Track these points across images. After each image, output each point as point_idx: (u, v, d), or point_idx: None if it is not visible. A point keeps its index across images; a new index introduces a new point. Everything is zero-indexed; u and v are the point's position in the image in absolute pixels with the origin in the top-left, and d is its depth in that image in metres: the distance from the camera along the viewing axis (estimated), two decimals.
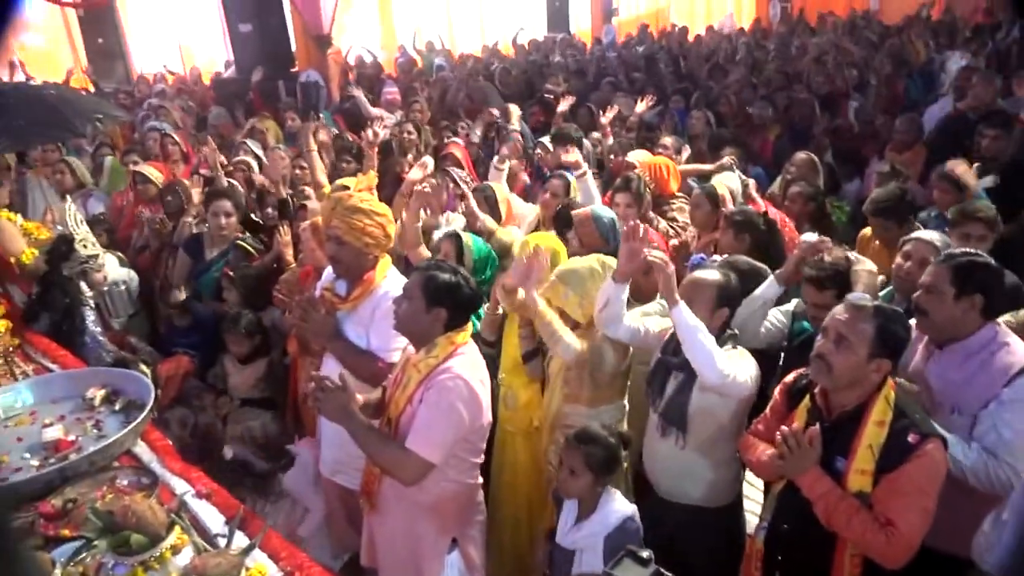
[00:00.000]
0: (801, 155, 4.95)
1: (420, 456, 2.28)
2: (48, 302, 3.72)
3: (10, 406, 2.73)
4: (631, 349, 2.99)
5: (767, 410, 2.51)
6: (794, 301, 3.21)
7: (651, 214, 4.36)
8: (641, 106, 6.28)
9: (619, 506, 2.51)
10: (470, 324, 2.52)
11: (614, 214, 3.73)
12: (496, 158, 4.78)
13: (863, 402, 2.16)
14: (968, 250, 2.53)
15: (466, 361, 2.42)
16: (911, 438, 2.06)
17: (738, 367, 2.56)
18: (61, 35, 12.63)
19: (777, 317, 3.17)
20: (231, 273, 3.96)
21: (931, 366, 2.45)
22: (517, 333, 3.14)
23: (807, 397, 2.31)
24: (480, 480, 2.65)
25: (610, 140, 5.82)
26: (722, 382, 2.50)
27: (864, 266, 3.06)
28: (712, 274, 2.74)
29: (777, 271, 3.07)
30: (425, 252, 3.88)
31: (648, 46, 12.98)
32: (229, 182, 5.04)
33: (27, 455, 2.45)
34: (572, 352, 2.85)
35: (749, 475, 3.14)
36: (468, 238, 3.49)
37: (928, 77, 8.55)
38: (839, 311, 2.21)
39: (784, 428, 2.21)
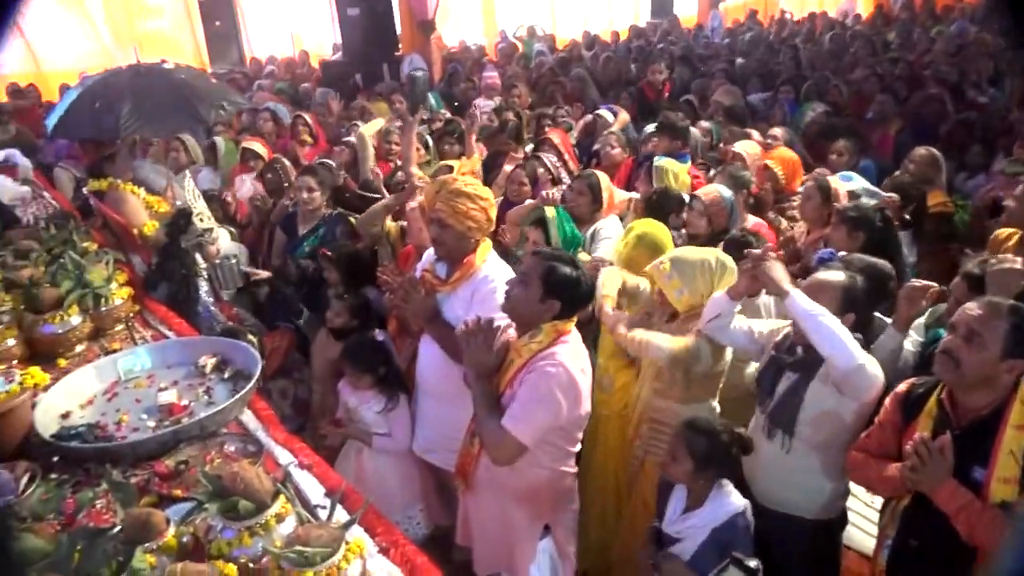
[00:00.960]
0: (921, 150, 4.64)
1: (514, 436, 2.27)
2: (166, 272, 3.92)
3: (130, 369, 2.89)
4: (729, 351, 2.89)
5: (876, 423, 2.36)
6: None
7: (770, 214, 4.21)
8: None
9: (731, 500, 2.44)
10: (575, 317, 2.49)
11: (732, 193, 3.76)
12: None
13: (998, 406, 2.01)
14: None
15: (570, 350, 2.39)
16: None
17: (870, 359, 2.39)
18: (182, 19, 13.29)
19: (911, 341, 2.91)
20: (328, 253, 4.04)
21: None
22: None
23: (930, 403, 2.16)
24: (575, 469, 2.62)
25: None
26: (853, 367, 2.31)
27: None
28: (837, 275, 2.59)
29: (893, 319, 2.82)
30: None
31: (756, 33, 12.51)
32: (323, 162, 5.16)
33: (144, 416, 2.59)
34: (665, 355, 2.80)
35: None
36: (553, 218, 3.46)
37: None
38: (971, 307, 2.08)
39: (917, 436, 2.07)
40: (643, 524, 3.01)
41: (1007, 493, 1.95)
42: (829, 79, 7.56)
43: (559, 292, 2.38)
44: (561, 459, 2.51)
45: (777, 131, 5.44)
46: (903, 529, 2.20)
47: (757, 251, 2.60)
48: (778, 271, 2.48)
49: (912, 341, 2.89)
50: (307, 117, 6.54)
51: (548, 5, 16.39)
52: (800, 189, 4.33)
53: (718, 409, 2.96)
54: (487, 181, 4.69)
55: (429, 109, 7.47)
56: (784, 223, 4.18)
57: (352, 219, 4.26)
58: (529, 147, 5.63)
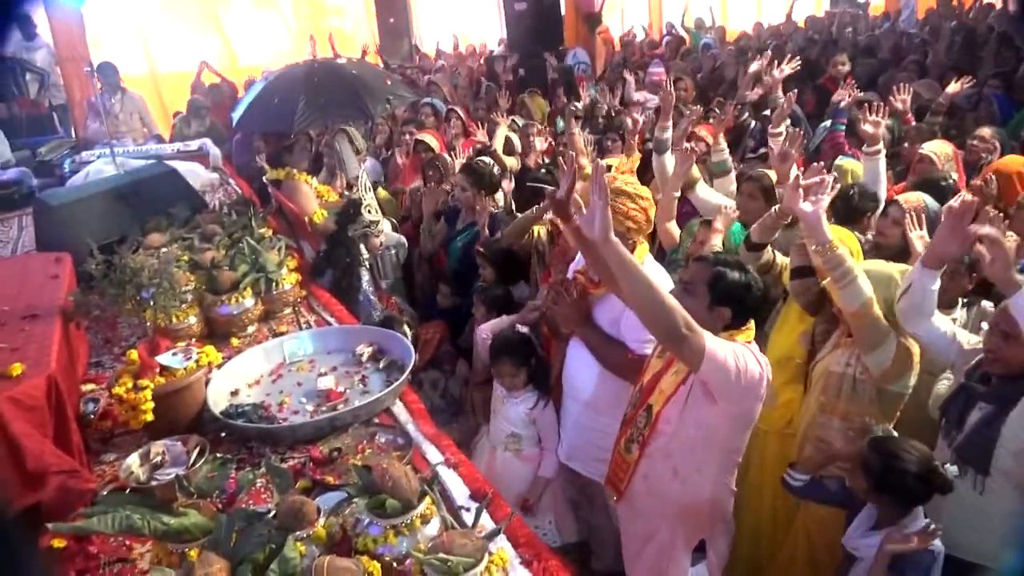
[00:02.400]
0: None
1: (703, 337, 2.09)
2: (333, 259, 4.09)
3: (294, 352, 3.02)
4: (916, 366, 2.57)
5: None
6: None
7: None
8: (954, 86, 5.39)
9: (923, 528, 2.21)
10: (752, 325, 2.33)
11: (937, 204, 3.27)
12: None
13: None
14: None
15: (752, 350, 2.25)
16: None
17: None
18: (361, 16, 14.02)
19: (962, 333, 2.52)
20: (481, 249, 4.05)
21: None
22: (793, 329, 2.87)
23: None
24: (735, 489, 2.47)
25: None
26: None
27: None
28: None
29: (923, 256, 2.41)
30: (675, 230, 3.70)
31: (959, 21, 11.31)
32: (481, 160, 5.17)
33: (304, 400, 2.69)
34: (860, 297, 2.45)
35: None
36: (723, 221, 3.26)
37: None
38: None
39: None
40: (803, 559, 2.77)
41: None
42: None
43: (728, 299, 2.24)
44: (727, 469, 2.38)
45: (985, 131, 4.83)
46: None
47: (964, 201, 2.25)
48: (1005, 253, 2.16)
49: None
50: (459, 111, 6.63)
51: None
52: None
53: (892, 432, 2.66)
54: (644, 180, 4.52)
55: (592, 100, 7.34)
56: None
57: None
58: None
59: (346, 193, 4.53)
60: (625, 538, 2.57)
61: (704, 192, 3.96)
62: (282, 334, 3.22)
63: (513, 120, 6.28)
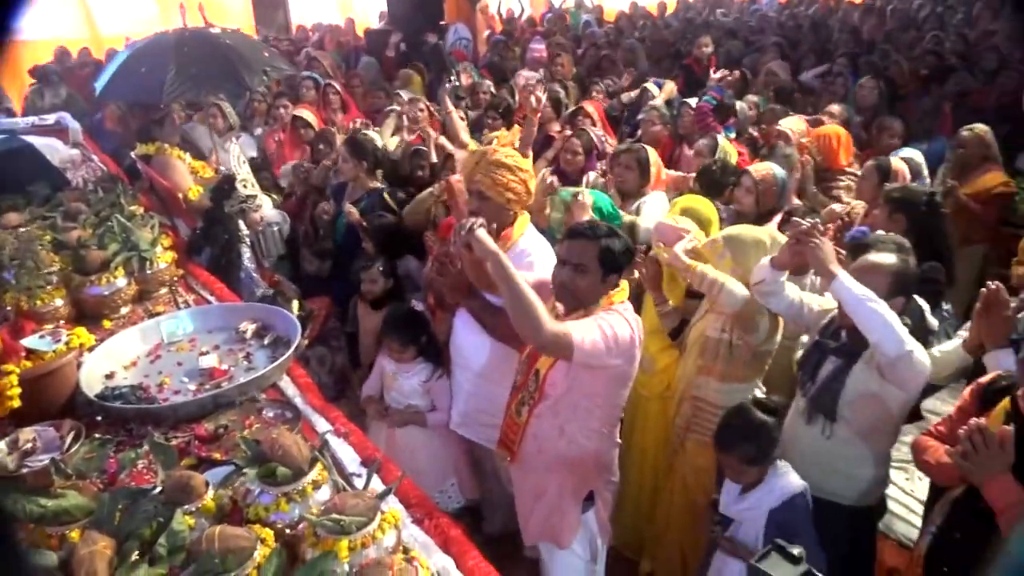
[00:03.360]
0: (967, 132, 4.49)
1: (569, 334, 2.20)
2: (210, 237, 3.97)
3: (173, 332, 2.93)
4: (780, 327, 2.82)
5: (952, 411, 2.29)
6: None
7: (812, 188, 4.08)
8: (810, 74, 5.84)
9: (788, 480, 2.41)
10: (625, 285, 2.45)
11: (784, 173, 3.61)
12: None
13: None
14: None
15: (626, 309, 2.39)
16: None
17: (918, 346, 2.32)
18: None
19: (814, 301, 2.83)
20: (365, 224, 4.03)
21: None
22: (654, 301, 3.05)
23: (1005, 400, 2.07)
24: (619, 440, 2.62)
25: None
26: (903, 353, 2.25)
27: None
28: (888, 257, 2.49)
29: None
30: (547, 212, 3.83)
31: (818, 7, 12.08)
32: (364, 133, 5.12)
33: (185, 379, 2.62)
34: (737, 300, 2.67)
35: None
36: (589, 196, 3.41)
37: None
38: None
39: (973, 421, 1.96)
40: (681, 503, 2.99)
41: None
42: (890, 54, 7.29)
43: (617, 265, 2.37)
44: (610, 423, 2.51)
45: (835, 108, 5.26)
46: (949, 520, 2.14)
47: (804, 224, 2.51)
48: (826, 251, 2.39)
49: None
50: (336, 85, 6.50)
51: None
52: (849, 168, 4.22)
53: (760, 392, 2.90)
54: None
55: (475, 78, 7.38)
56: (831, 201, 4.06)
57: (388, 197, 4.22)
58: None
59: (222, 169, 4.39)
60: (518, 497, 2.66)
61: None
62: (159, 314, 3.11)
63: (398, 93, 6.23)
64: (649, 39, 9.44)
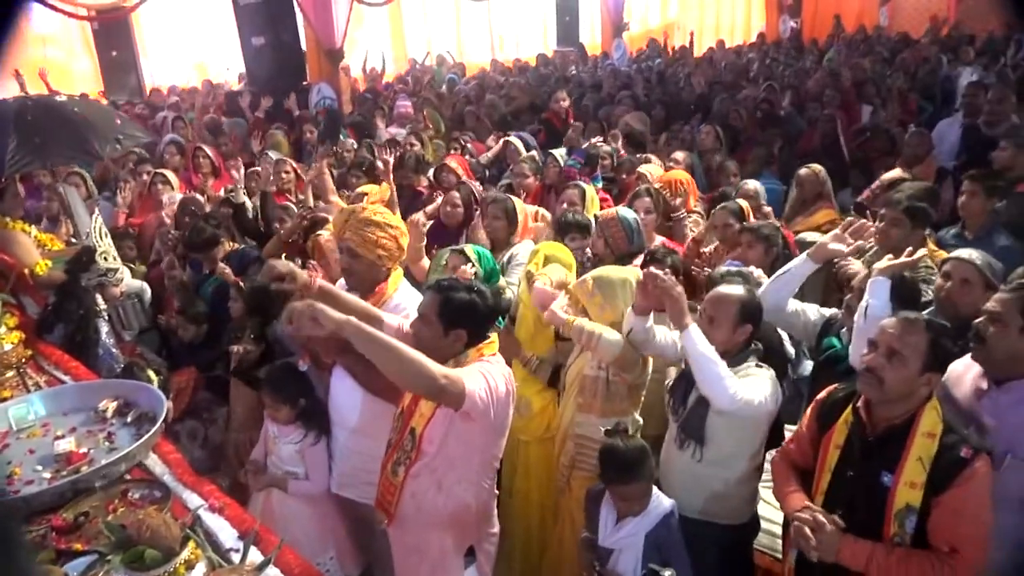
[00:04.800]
0: (804, 171, 5.05)
1: (461, 379, 2.22)
2: (63, 313, 3.73)
3: (22, 418, 2.72)
4: (650, 361, 2.97)
5: (799, 427, 2.47)
6: (830, 311, 3.13)
7: (683, 212, 4.42)
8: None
9: (659, 502, 2.52)
10: (495, 337, 2.50)
11: (635, 215, 3.83)
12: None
13: (911, 415, 2.10)
14: None
15: (496, 363, 2.43)
16: (964, 452, 2.01)
17: (754, 389, 2.51)
18: (79, 47, 12.79)
19: (812, 311, 3.09)
20: (241, 284, 3.92)
21: (985, 403, 2.33)
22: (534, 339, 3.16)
23: (847, 412, 2.25)
24: (496, 491, 2.64)
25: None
26: (734, 408, 2.47)
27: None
28: (736, 289, 2.71)
29: (809, 250, 3.03)
30: (426, 264, 3.88)
31: (662, 61, 12.98)
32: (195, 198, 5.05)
33: (39, 467, 2.44)
34: (615, 347, 2.79)
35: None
36: (472, 251, 3.49)
37: (946, 94, 8.54)
38: (889, 324, 2.16)
39: (801, 515, 2.11)
40: (571, 544, 3.03)
41: (911, 497, 2.04)
42: (727, 104, 7.95)
43: (460, 320, 2.38)
44: (487, 474, 2.52)
45: (679, 155, 5.68)
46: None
47: (656, 272, 2.68)
48: (679, 303, 2.55)
49: (811, 311, 3.08)
50: (207, 149, 6.36)
51: (455, 33, 16.58)
52: (696, 208, 4.59)
53: (640, 421, 3.03)
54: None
55: (341, 138, 7.41)
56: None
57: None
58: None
59: (73, 240, 4.16)
60: (398, 558, 2.61)
61: None
62: (6, 399, 2.88)
63: (266, 154, 6.16)
64: (508, 95, 9.81)
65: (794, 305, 3.05)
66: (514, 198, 4.31)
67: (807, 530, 2.08)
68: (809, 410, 2.45)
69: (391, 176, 4.77)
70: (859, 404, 2.21)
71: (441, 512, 2.43)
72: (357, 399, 2.86)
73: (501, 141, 6.58)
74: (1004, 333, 2.26)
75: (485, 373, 2.31)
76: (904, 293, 2.69)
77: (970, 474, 1.99)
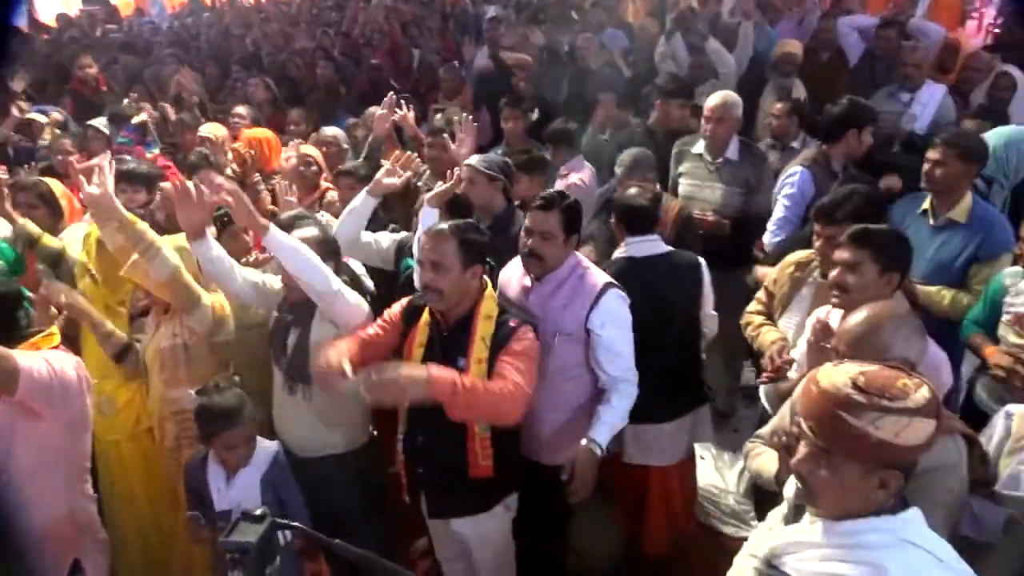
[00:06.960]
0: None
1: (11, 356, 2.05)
2: None
3: None
4: (229, 315, 2.92)
5: (380, 320, 2.66)
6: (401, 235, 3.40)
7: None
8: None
9: (263, 446, 2.56)
10: (55, 329, 2.34)
11: None
12: None
13: (472, 306, 2.47)
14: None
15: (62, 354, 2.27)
16: (512, 323, 2.44)
17: (350, 292, 2.67)
18: None
19: (385, 239, 3.33)
20: None
21: (532, 297, 2.73)
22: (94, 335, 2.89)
23: (426, 314, 2.54)
24: (94, 494, 2.49)
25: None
26: (333, 291, 2.58)
27: None
28: (311, 231, 2.79)
29: (367, 187, 3.22)
30: None
31: (200, 17, 12.12)
32: None
33: None
34: (169, 268, 2.67)
35: None
36: None
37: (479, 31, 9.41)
38: (424, 241, 2.47)
39: (370, 372, 2.21)
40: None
41: (481, 372, 2.39)
42: (279, 56, 7.86)
43: None
44: (78, 477, 2.36)
45: (241, 109, 5.49)
46: (410, 427, 2.58)
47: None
48: (244, 207, 2.57)
49: (384, 238, 3.32)
50: None
51: None
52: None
53: (238, 379, 2.93)
54: None
55: None
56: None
57: None
58: None
59: None
60: None
61: None
62: None
63: None
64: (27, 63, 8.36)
65: (367, 237, 3.26)
66: (52, 181, 3.81)
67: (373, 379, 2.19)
68: (397, 307, 2.67)
69: None
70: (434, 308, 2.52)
71: (38, 524, 2.18)
72: None
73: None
74: (553, 244, 2.67)
75: (48, 358, 2.15)
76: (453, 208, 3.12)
77: (520, 335, 2.43)
